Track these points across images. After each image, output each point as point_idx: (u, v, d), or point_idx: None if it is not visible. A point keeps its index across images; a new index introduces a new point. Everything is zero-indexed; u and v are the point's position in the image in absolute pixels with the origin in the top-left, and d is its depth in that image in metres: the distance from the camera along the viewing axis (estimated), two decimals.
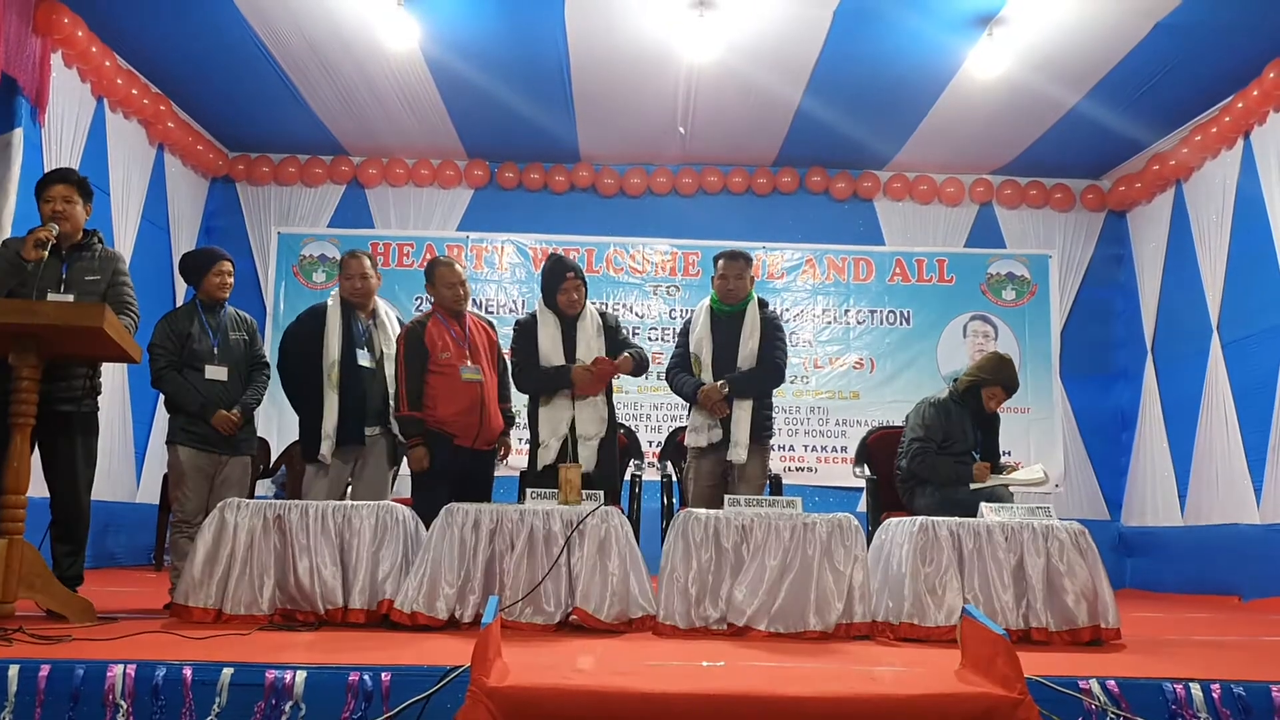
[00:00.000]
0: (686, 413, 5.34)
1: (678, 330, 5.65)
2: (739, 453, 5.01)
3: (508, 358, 5.23)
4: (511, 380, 5.19)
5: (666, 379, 5.41)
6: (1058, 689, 2.72)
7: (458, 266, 5.04)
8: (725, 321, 5.22)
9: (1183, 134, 8.14)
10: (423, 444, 4.77)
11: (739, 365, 5.11)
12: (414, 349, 4.86)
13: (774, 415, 5.34)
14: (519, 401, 5.26)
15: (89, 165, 7.12)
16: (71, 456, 4.30)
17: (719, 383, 5.05)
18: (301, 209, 9.36)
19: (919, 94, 7.89)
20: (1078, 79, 7.51)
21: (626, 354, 5.02)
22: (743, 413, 5.06)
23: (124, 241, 7.67)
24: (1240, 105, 7.32)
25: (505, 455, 5.24)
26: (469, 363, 4.88)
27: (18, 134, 6.31)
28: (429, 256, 9.18)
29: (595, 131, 8.77)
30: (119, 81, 7.35)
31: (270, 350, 5.24)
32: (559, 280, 5.05)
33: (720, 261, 5.25)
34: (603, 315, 5.20)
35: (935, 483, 5.17)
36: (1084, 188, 9.36)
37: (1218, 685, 2.77)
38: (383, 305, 5.29)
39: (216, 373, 4.73)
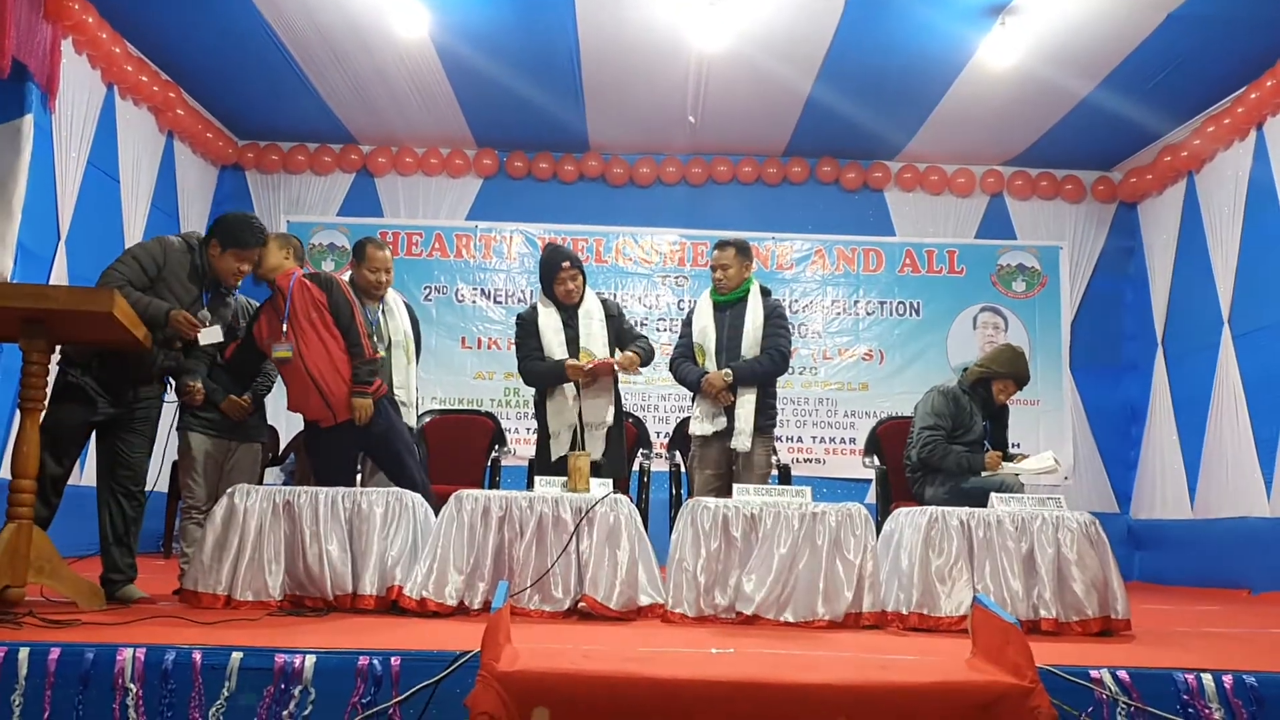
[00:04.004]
0: (691, 401, 5.33)
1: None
2: (743, 441, 5.01)
3: (513, 349, 5.21)
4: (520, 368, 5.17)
5: (670, 369, 5.42)
6: (1069, 678, 2.70)
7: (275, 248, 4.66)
8: (727, 311, 5.22)
9: (1195, 125, 8.09)
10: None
11: (742, 354, 5.11)
12: (251, 348, 4.61)
13: (778, 404, 5.34)
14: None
15: (99, 152, 7.14)
16: (146, 456, 4.38)
17: (723, 371, 5.05)
18: (310, 197, 9.35)
19: (930, 84, 7.86)
20: (1090, 69, 7.47)
21: (632, 351, 5.00)
22: (747, 401, 5.06)
23: (133, 229, 7.67)
24: (1253, 96, 7.28)
25: (363, 418, 4.48)
26: (280, 341, 4.45)
27: (28, 120, 6.30)
28: (438, 245, 9.22)
29: (605, 121, 8.76)
30: (129, 68, 7.35)
31: None
32: (555, 271, 5.06)
33: (714, 252, 5.26)
34: (604, 303, 5.20)
35: (946, 471, 5.15)
36: (1095, 179, 9.32)
37: (1230, 676, 2.75)
38: (391, 293, 5.27)
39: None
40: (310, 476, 4.99)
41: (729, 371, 5.05)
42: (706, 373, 5.12)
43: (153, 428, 4.42)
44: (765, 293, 5.30)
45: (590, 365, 4.92)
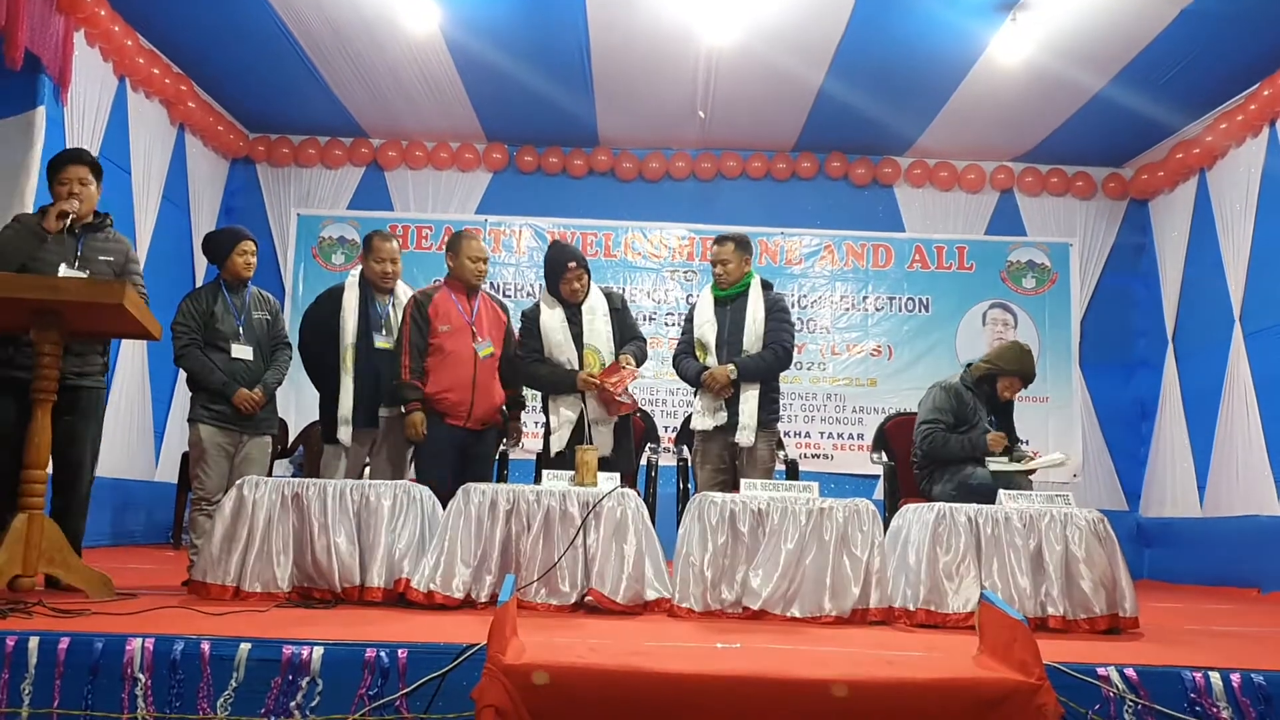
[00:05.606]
0: (695, 397, 5.34)
1: None
2: (746, 436, 5.01)
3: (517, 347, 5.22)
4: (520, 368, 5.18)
5: (673, 365, 5.42)
6: (1076, 676, 2.70)
7: (482, 242, 5.13)
8: (728, 305, 5.22)
9: (1207, 121, 8.05)
10: (421, 410, 4.81)
11: (744, 348, 5.10)
12: (417, 319, 4.93)
13: (785, 399, 5.32)
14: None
15: (110, 145, 7.15)
16: (86, 434, 4.36)
17: (727, 366, 5.04)
18: (321, 191, 9.37)
19: (941, 79, 7.83)
20: (1101, 65, 7.44)
21: (627, 354, 5.00)
22: (750, 396, 5.05)
23: (144, 221, 7.70)
24: (1266, 92, 7.24)
25: (516, 440, 5.25)
26: (480, 338, 4.95)
27: (40, 113, 6.32)
28: (447, 239, 9.22)
29: (614, 115, 8.75)
30: (141, 61, 7.37)
31: (290, 331, 5.25)
32: (561, 270, 5.05)
33: (714, 247, 5.27)
34: (609, 296, 5.19)
35: (950, 460, 5.13)
36: (1106, 175, 9.29)
37: (1238, 674, 2.75)
38: (401, 287, 5.30)
39: (241, 351, 4.76)
40: (319, 470, 5.06)
41: (733, 367, 5.04)
42: (706, 368, 5.11)
43: (98, 410, 4.40)
44: (766, 286, 5.29)
45: (600, 383, 4.88)
